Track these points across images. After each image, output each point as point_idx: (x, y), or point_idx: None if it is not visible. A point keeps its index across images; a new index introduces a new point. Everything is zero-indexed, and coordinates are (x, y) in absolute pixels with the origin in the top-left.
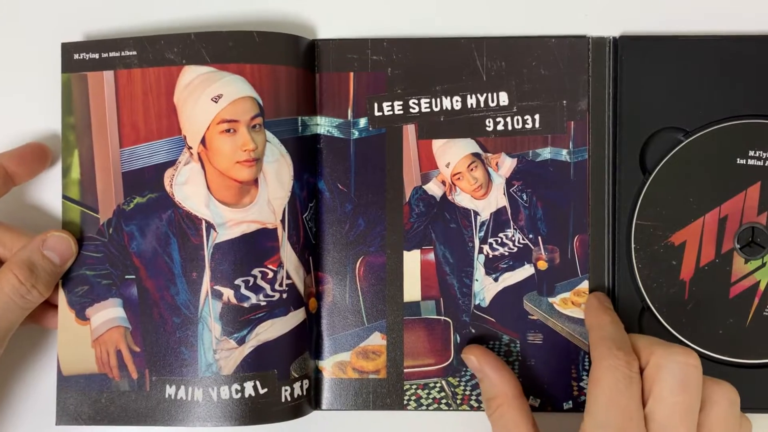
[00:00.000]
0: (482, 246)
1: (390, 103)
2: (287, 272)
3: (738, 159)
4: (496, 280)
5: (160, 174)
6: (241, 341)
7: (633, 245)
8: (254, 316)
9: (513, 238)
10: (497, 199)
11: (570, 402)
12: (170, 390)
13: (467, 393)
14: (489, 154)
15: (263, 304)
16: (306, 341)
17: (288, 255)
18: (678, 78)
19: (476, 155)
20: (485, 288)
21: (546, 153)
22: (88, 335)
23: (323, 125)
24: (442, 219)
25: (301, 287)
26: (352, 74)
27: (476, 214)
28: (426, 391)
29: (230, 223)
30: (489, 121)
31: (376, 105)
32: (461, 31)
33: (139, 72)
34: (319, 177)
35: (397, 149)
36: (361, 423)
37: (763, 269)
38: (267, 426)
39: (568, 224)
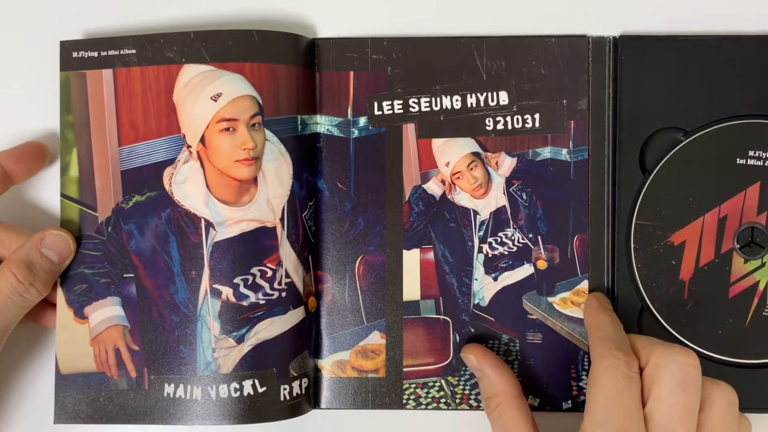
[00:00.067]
0: (482, 245)
1: (390, 102)
2: (286, 271)
3: (738, 159)
4: (495, 279)
5: (159, 172)
6: (240, 340)
7: (632, 245)
8: (253, 314)
9: (512, 238)
10: (497, 198)
11: (569, 402)
12: (169, 388)
13: (466, 392)
14: (489, 154)
15: (262, 302)
16: (305, 340)
17: (287, 254)
18: (678, 78)
19: (476, 154)
20: (485, 287)
21: (546, 152)
22: (87, 334)
23: (323, 124)
24: (442, 218)
25: (300, 286)
26: (352, 73)
27: (476, 213)
28: (425, 390)
29: (229, 222)
30: (489, 121)
31: (375, 104)
32: (461, 30)
33: (138, 70)
34: (319, 176)
35: (396, 148)
36: (360, 422)
37: (763, 269)
38: (266, 425)
39: (568, 224)
